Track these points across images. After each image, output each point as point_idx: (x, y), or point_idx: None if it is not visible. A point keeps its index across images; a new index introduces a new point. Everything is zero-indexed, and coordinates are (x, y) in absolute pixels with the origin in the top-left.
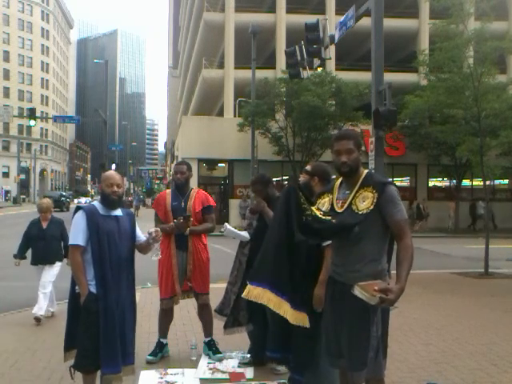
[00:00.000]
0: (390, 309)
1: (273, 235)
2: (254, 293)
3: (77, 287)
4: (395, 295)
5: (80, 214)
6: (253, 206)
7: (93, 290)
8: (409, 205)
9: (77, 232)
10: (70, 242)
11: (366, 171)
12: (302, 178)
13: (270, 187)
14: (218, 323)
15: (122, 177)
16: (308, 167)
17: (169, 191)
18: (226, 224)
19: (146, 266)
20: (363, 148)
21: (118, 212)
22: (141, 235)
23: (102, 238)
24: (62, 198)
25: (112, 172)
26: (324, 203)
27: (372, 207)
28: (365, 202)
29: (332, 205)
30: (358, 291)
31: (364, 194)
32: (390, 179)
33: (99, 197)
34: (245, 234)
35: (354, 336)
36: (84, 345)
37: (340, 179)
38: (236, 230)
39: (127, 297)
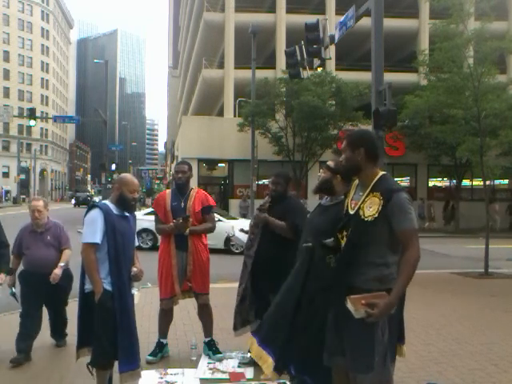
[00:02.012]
0: (397, 315)
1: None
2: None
3: (86, 286)
4: (380, 310)
5: (97, 212)
6: (255, 218)
7: (107, 287)
8: (444, 205)
9: (94, 230)
10: (87, 240)
11: (380, 174)
12: (323, 175)
13: (288, 185)
14: (218, 323)
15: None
16: (330, 163)
17: (168, 191)
18: (234, 227)
19: (146, 266)
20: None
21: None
22: (135, 240)
23: (118, 236)
24: (89, 198)
25: (133, 178)
26: (345, 205)
27: (377, 215)
28: (371, 208)
29: (347, 205)
30: (348, 304)
31: (372, 199)
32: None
33: (100, 197)
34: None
35: (359, 338)
36: (101, 342)
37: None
38: (241, 236)
39: (131, 295)
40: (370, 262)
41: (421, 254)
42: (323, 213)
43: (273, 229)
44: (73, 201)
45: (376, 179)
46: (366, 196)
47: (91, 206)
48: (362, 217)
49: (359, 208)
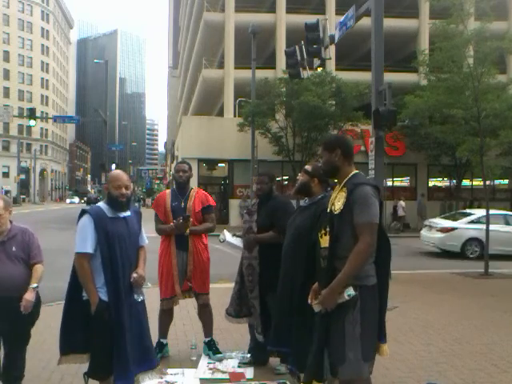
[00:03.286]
0: (372, 310)
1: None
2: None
3: (84, 294)
4: (321, 297)
5: (87, 219)
6: (245, 243)
7: (103, 297)
8: (467, 206)
9: (84, 238)
10: (78, 249)
11: (353, 172)
12: (302, 178)
13: (274, 184)
14: (219, 323)
15: (129, 177)
16: (308, 167)
17: (168, 191)
18: (225, 232)
19: (146, 266)
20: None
21: (126, 212)
22: (143, 238)
23: (111, 242)
24: (98, 198)
25: (119, 172)
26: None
27: (342, 207)
28: (339, 202)
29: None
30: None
31: (341, 194)
32: (369, 180)
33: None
34: (240, 244)
35: (332, 332)
36: (97, 353)
37: None
38: (234, 240)
39: (136, 303)
40: (341, 255)
41: (421, 254)
42: (302, 212)
43: (268, 242)
44: (67, 200)
45: (349, 177)
46: (338, 192)
47: (82, 211)
48: (334, 211)
49: (333, 203)
